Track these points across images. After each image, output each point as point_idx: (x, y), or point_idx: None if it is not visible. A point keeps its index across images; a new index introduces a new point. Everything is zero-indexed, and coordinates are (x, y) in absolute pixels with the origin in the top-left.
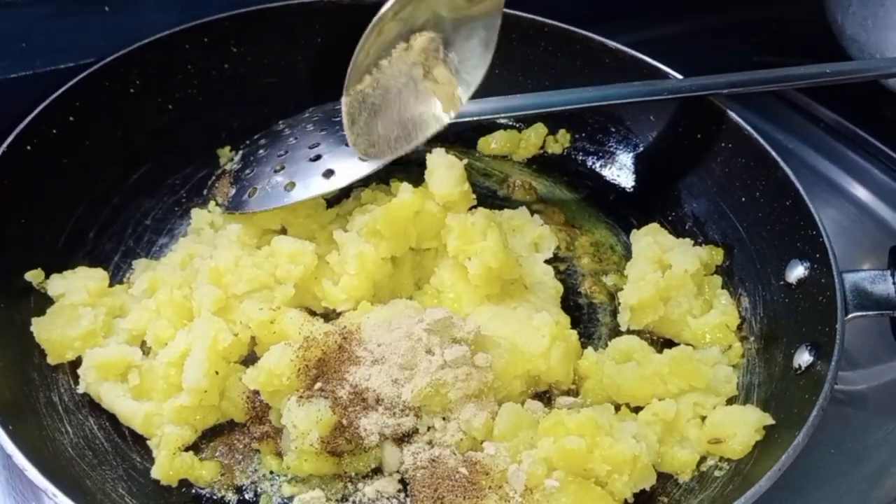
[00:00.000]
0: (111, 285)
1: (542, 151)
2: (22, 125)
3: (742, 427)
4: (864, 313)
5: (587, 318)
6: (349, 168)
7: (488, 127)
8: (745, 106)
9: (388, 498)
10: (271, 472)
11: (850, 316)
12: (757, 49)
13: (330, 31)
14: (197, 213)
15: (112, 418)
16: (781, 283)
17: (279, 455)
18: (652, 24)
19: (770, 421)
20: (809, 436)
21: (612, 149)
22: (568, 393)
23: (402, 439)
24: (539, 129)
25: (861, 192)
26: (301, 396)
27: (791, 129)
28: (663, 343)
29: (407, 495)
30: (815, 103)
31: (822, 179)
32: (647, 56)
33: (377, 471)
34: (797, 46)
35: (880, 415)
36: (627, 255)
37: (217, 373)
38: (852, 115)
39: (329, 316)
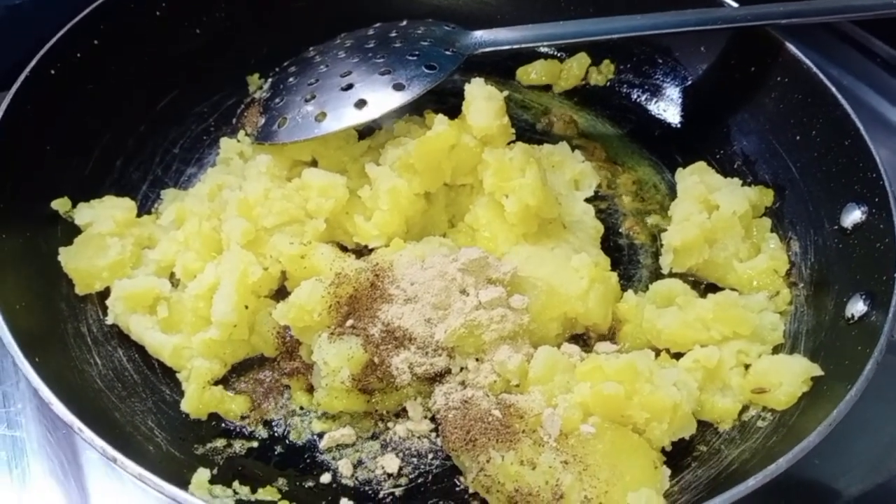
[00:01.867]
0: (139, 215)
1: (584, 83)
2: (45, 48)
3: (788, 377)
4: None
5: (627, 259)
6: (382, 98)
7: (528, 56)
8: (798, 39)
9: (419, 437)
10: (301, 408)
11: None
12: None
13: None
14: (226, 143)
15: (141, 350)
16: (836, 227)
17: (310, 391)
18: None
19: (819, 372)
20: (862, 390)
21: (658, 81)
22: (605, 337)
23: (435, 379)
24: (582, 59)
25: None
26: (332, 333)
27: (846, 65)
28: (707, 287)
29: (438, 435)
30: (872, 37)
31: (876, 118)
32: None
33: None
34: None
35: None
36: (671, 194)
37: (247, 307)
38: None
39: (361, 252)
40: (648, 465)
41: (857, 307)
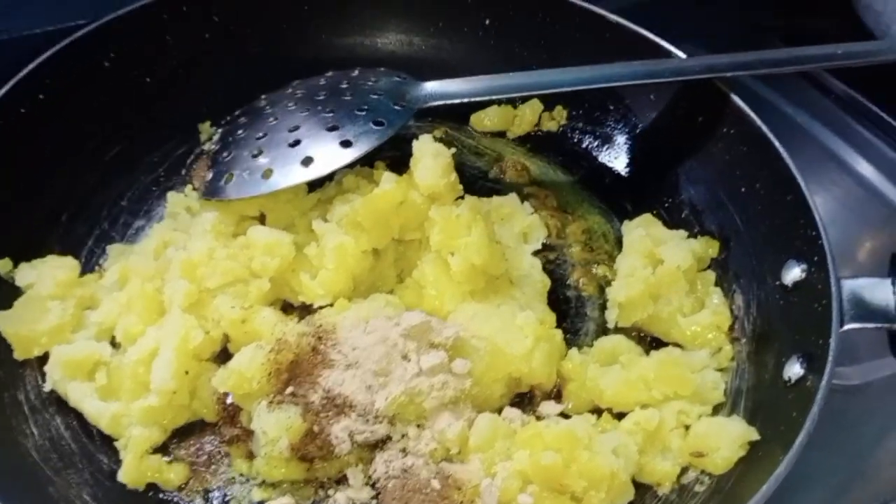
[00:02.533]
0: (84, 273)
1: (537, 129)
2: None
3: (726, 441)
4: (860, 325)
5: (574, 312)
6: (329, 155)
7: (482, 102)
8: (754, 76)
9: None
10: (241, 476)
11: (845, 328)
12: (767, 15)
13: None
14: (173, 197)
15: (80, 417)
16: (777, 283)
17: (250, 458)
18: None
19: (755, 437)
20: (795, 460)
21: (609, 128)
22: (550, 395)
23: (376, 446)
24: (534, 106)
25: (868, 170)
26: (271, 402)
27: (801, 102)
28: (652, 340)
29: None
30: (826, 73)
31: (830, 156)
32: (647, 31)
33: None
34: (810, 13)
35: (875, 411)
36: (620, 243)
37: (187, 372)
38: (864, 89)
39: (308, 307)
40: None
41: (794, 369)
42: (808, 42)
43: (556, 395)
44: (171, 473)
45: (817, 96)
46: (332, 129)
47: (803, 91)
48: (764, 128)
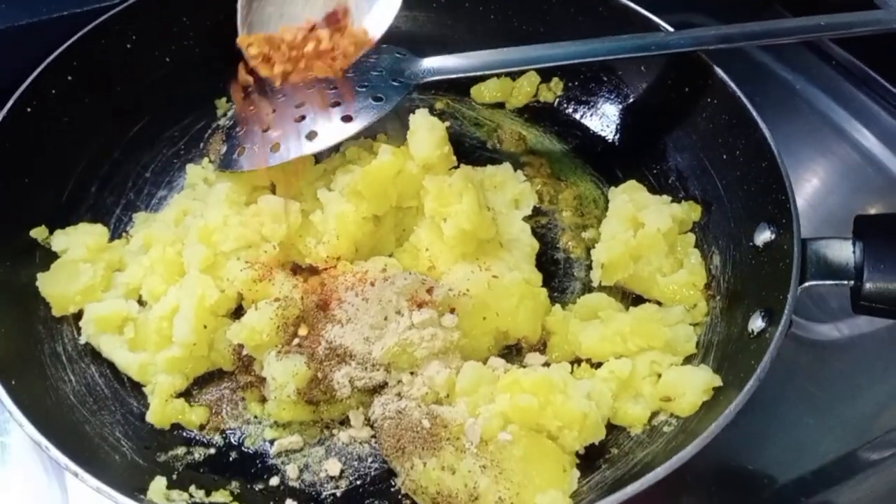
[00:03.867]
0: (112, 239)
1: (534, 100)
2: (21, 88)
3: (691, 387)
4: (819, 282)
5: (563, 272)
6: (331, 130)
7: (482, 75)
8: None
9: (360, 443)
10: (255, 418)
11: (805, 285)
12: None
13: None
14: (192, 169)
15: (112, 366)
16: (751, 244)
17: (263, 402)
18: None
19: (718, 383)
20: (744, 402)
21: (602, 99)
22: (536, 348)
23: (374, 391)
24: (532, 78)
25: (868, 138)
26: (280, 351)
27: (800, 68)
28: (635, 298)
29: (377, 441)
30: (828, 41)
31: (829, 123)
32: (637, 4)
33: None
34: None
35: (853, 366)
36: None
37: (205, 327)
38: (865, 56)
39: (314, 269)
40: (558, 469)
41: (756, 323)
42: (815, 11)
43: (542, 349)
44: (192, 415)
45: (817, 62)
46: (335, 105)
47: (803, 57)
48: (743, 98)
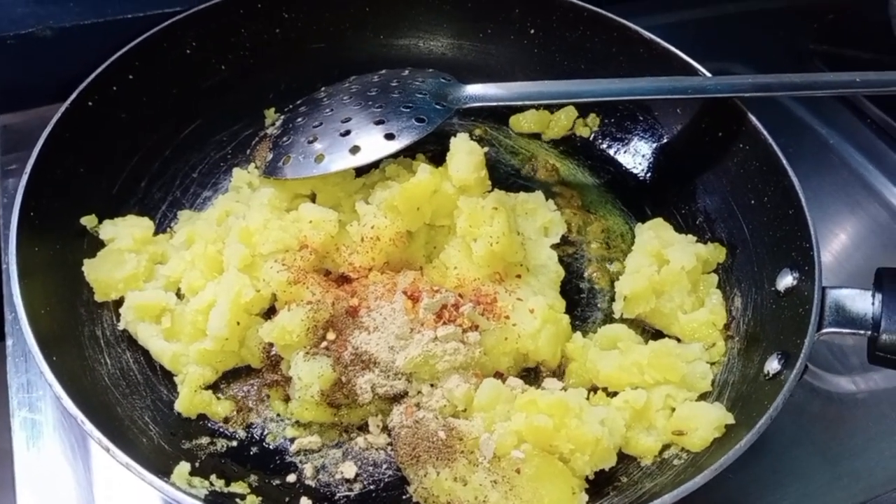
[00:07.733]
0: (156, 233)
1: (570, 133)
2: (84, 83)
3: (704, 423)
4: (836, 329)
5: (586, 302)
6: (374, 146)
7: (521, 105)
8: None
9: (376, 449)
10: (278, 415)
11: (822, 331)
12: (812, 37)
13: (376, 1)
14: (238, 173)
15: (146, 353)
16: (773, 288)
17: (287, 401)
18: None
19: (731, 421)
20: (755, 440)
21: (637, 137)
22: (554, 373)
23: (394, 399)
24: (570, 112)
25: None
26: (308, 352)
27: (836, 124)
28: (654, 333)
29: (393, 448)
30: (864, 98)
31: (858, 178)
32: (678, 49)
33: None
34: (854, 39)
35: (867, 420)
36: None
37: (238, 323)
38: None
39: (346, 277)
40: (567, 491)
41: (772, 365)
42: (853, 69)
43: (560, 374)
44: (219, 407)
45: (853, 119)
46: (379, 122)
47: (839, 113)
48: (774, 146)
